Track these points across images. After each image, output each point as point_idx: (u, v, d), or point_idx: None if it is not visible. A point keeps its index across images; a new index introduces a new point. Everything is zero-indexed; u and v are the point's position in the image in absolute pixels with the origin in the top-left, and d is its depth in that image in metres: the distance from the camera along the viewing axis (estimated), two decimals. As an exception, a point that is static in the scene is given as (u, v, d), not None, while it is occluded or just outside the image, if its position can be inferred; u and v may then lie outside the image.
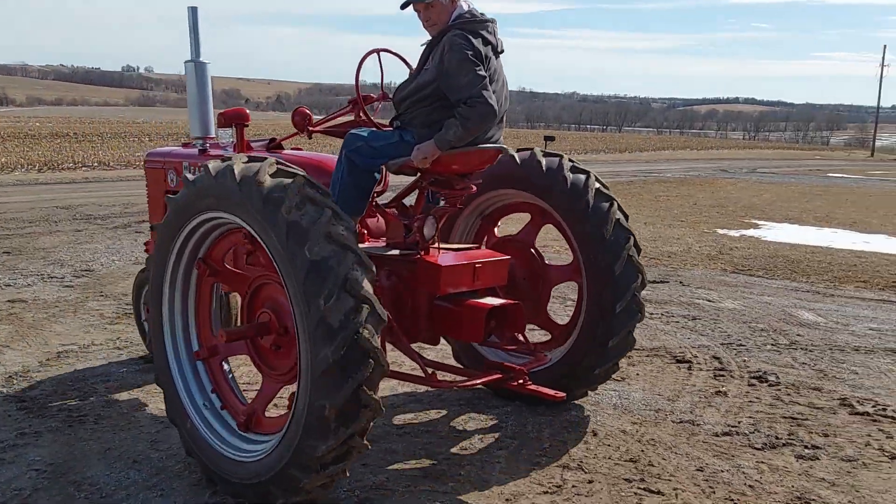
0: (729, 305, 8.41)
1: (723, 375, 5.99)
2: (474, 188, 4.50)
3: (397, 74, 4.78)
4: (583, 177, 4.90)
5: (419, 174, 4.30)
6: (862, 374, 6.13)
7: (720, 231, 14.60)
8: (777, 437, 4.78)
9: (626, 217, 4.91)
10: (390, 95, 4.63)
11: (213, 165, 3.67)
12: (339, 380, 3.30)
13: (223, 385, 4.22)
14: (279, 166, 3.57)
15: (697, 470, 4.33)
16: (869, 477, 4.28)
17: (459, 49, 3.98)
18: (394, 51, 4.70)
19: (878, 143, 78.42)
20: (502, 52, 4.29)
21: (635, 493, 4.04)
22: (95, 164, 26.09)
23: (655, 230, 14.30)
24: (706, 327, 7.44)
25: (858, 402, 5.45)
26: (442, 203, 4.53)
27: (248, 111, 4.98)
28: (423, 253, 4.36)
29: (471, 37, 4.03)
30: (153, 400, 5.26)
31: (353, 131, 4.39)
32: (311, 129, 4.80)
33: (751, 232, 14.75)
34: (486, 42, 4.12)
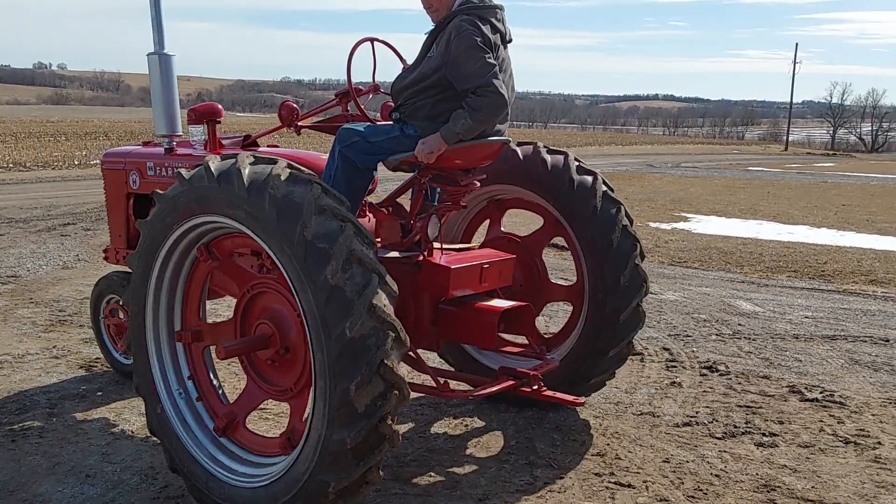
0: (671, 297, 8.57)
1: (675, 367, 6.09)
2: (478, 184, 4.27)
3: (382, 69, 4.61)
4: (589, 178, 4.73)
5: (417, 171, 4.06)
6: (805, 361, 6.32)
7: (653, 224, 14.89)
8: (735, 426, 4.88)
9: (631, 221, 4.78)
10: (382, 88, 4.49)
11: (248, 173, 3.21)
12: (351, 463, 3.14)
13: (203, 375, 3.94)
14: (328, 199, 3.17)
15: (664, 461, 4.37)
16: (828, 462, 4.40)
17: (468, 35, 3.73)
18: (386, 41, 4.50)
19: (790, 138, 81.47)
20: (510, 41, 4.05)
21: (607, 488, 4.05)
22: (10, 164, 24.92)
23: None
24: (652, 319, 7.55)
25: (806, 388, 5.61)
26: (437, 201, 4.34)
27: (220, 106, 4.75)
28: (426, 254, 4.14)
29: (479, 23, 3.80)
30: (99, 410, 5.03)
31: (346, 126, 4.11)
32: (299, 124, 4.53)
33: (682, 225, 15.10)
34: (495, 29, 3.89)
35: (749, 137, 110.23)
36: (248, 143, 4.87)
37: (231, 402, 4.00)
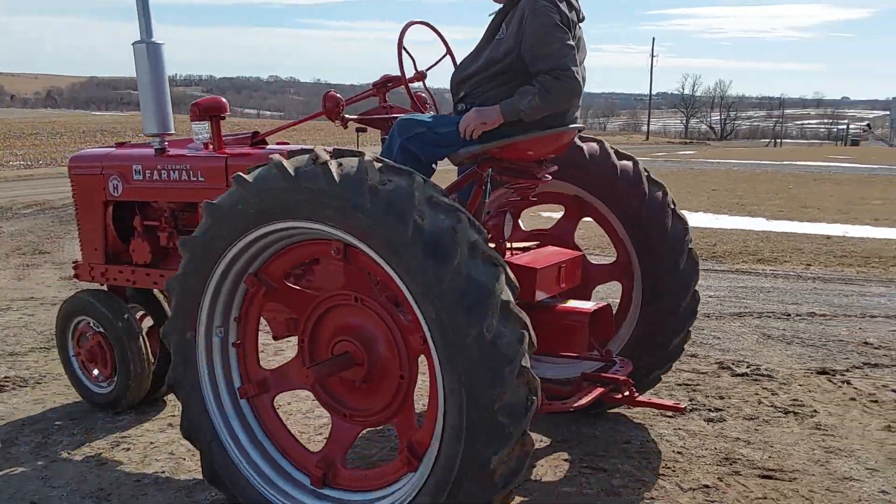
0: (583, 284, 8.77)
1: (607, 351, 6.24)
2: (550, 177, 3.98)
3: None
4: (630, 163, 4.51)
5: (477, 164, 3.70)
6: (723, 338, 6.64)
7: (545, 215, 15.22)
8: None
9: (675, 203, 4.59)
10: (427, 75, 4.24)
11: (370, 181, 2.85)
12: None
13: (251, 327, 3.54)
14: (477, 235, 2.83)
15: (625, 443, 4.48)
16: (775, 433, 4.63)
17: (546, 13, 3.44)
18: (432, 25, 4.24)
19: (651, 128, 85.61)
20: (583, 19, 3.74)
21: (581, 473, 4.10)
22: None
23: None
24: (571, 306, 7.71)
25: (734, 364, 5.89)
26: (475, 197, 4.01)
27: (225, 101, 4.36)
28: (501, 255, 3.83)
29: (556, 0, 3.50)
30: (24, 432, 4.64)
31: (407, 116, 3.76)
32: (346, 116, 4.12)
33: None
34: (571, 7, 3.59)
35: (610, 128, 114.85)
36: (257, 140, 4.50)
37: (267, 370, 3.65)
